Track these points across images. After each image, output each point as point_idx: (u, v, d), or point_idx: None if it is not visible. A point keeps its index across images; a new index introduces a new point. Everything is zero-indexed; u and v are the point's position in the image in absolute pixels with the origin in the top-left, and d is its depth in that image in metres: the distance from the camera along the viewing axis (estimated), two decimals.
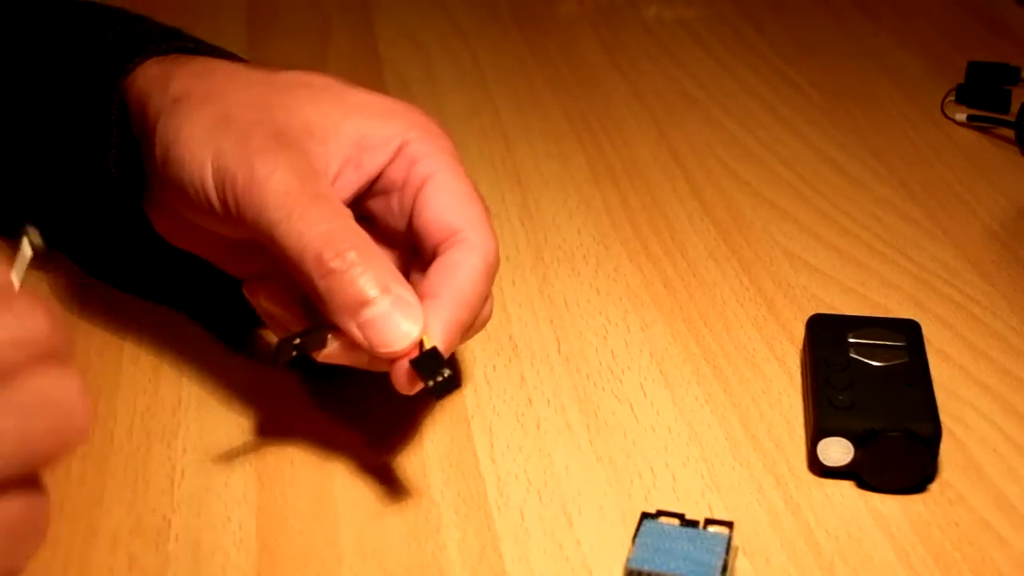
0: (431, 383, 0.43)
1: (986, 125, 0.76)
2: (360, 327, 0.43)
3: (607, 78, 0.82)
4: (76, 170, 0.53)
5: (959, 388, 0.54)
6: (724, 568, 0.42)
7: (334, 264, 0.43)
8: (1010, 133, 0.74)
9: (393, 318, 0.43)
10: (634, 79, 0.82)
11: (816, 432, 0.48)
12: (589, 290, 0.60)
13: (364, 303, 0.43)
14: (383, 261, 0.44)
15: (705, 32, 0.89)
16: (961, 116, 0.76)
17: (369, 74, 0.82)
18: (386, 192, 0.49)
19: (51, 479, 0.48)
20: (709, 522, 0.44)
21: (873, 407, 0.48)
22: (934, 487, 0.48)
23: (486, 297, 0.47)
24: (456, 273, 0.46)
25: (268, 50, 0.85)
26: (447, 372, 0.43)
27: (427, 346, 0.43)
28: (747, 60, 0.85)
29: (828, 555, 0.45)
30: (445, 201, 0.47)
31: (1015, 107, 0.75)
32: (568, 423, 0.51)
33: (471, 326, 0.46)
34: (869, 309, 0.59)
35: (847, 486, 0.48)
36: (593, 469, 0.49)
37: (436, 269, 0.46)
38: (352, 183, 0.48)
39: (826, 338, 0.52)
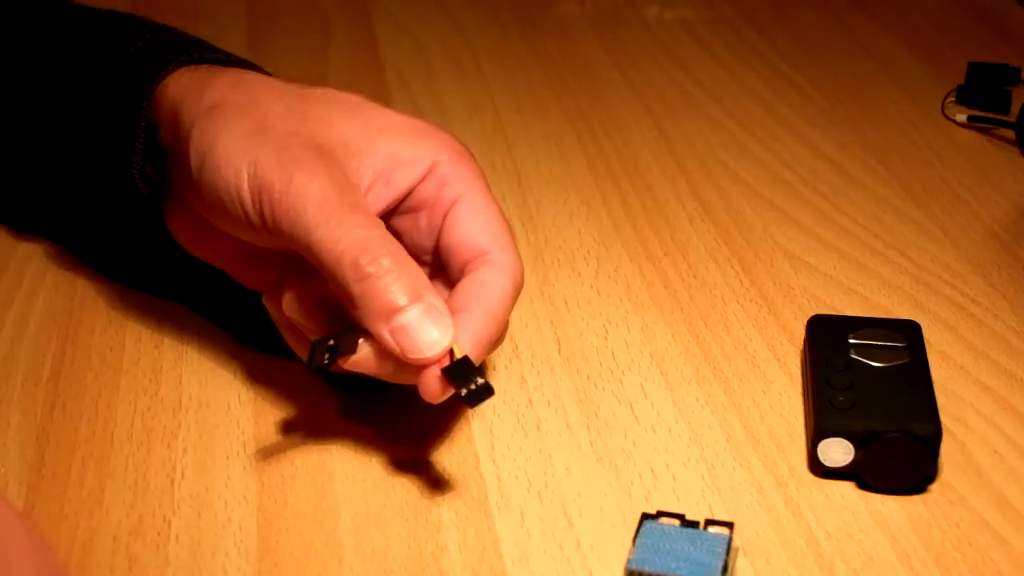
0: (464, 391, 0.44)
1: (987, 126, 0.76)
2: (391, 333, 0.44)
3: (607, 78, 0.82)
4: (97, 176, 0.53)
5: (959, 389, 0.54)
6: (724, 569, 0.42)
7: (370, 269, 0.44)
8: (1010, 134, 0.74)
9: (424, 326, 0.44)
10: (634, 79, 0.82)
11: (816, 433, 0.48)
12: (589, 291, 0.60)
13: (396, 310, 0.44)
14: (416, 270, 0.45)
15: (705, 32, 0.89)
16: (962, 117, 0.76)
17: (369, 74, 0.82)
18: (415, 210, 0.50)
19: (51, 480, 0.48)
20: (709, 523, 0.44)
21: (873, 408, 0.48)
22: (934, 488, 0.48)
23: (509, 317, 0.48)
24: (486, 291, 0.47)
25: (268, 50, 0.85)
26: (480, 380, 0.44)
27: (457, 356, 0.44)
28: (747, 60, 0.85)
29: (828, 556, 0.45)
30: (476, 222, 0.48)
31: (1015, 108, 0.75)
32: (568, 424, 0.51)
33: (495, 343, 0.47)
34: (869, 310, 0.59)
35: (847, 487, 0.48)
36: (593, 470, 0.49)
37: (466, 286, 0.47)
38: (382, 199, 0.48)
39: (826, 339, 0.52)
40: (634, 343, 0.56)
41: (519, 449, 0.50)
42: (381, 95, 0.79)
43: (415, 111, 0.76)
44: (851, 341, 0.52)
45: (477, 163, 0.50)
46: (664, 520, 0.44)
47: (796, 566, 0.45)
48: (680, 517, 0.45)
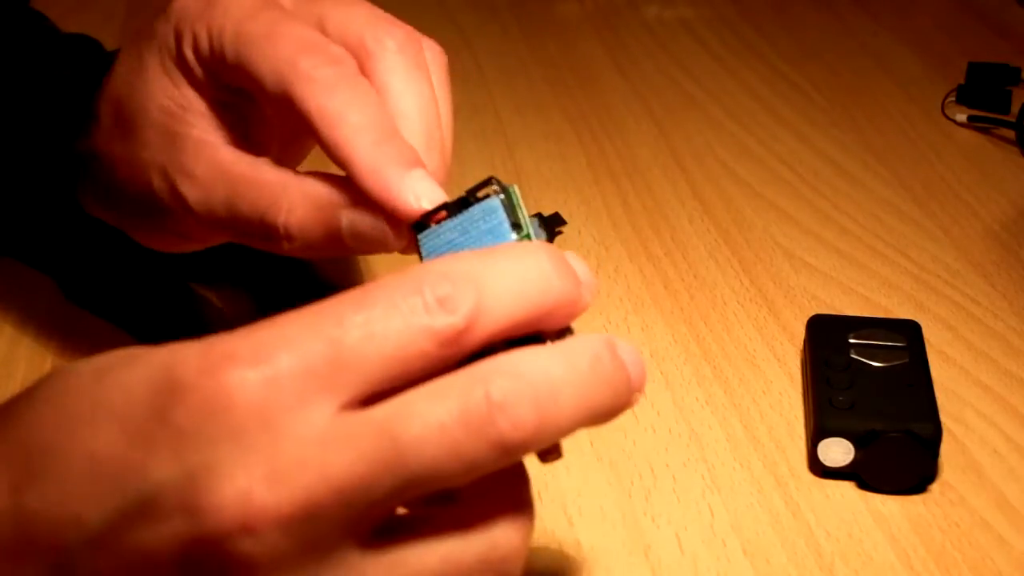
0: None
1: (987, 126, 0.76)
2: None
3: (607, 78, 0.82)
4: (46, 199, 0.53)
5: (959, 389, 0.54)
6: (517, 225, 0.38)
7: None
8: (1011, 134, 0.74)
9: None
10: (634, 79, 0.82)
11: (816, 432, 0.48)
12: None
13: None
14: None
15: (705, 32, 0.89)
16: (962, 117, 0.76)
17: None
18: None
19: None
20: (473, 193, 0.39)
21: (873, 408, 0.48)
22: (934, 488, 0.48)
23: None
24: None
25: None
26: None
27: None
28: (747, 60, 0.85)
29: (828, 556, 0.45)
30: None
31: (1016, 107, 0.75)
32: None
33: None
34: (870, 310, 0.59)
35: (847, 487, 0.48)
36: (593, 469, 0.49)
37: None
38: None
39: (826, 339, 0.52)
40: (634, 343, 0.56)
41: None
42: None
43: None
44: (851, 341, 0.52)
45: None
46: (433, 223, 0.39)
47: (796, 566, 0.45)
48: (443, 207, 0.39)
